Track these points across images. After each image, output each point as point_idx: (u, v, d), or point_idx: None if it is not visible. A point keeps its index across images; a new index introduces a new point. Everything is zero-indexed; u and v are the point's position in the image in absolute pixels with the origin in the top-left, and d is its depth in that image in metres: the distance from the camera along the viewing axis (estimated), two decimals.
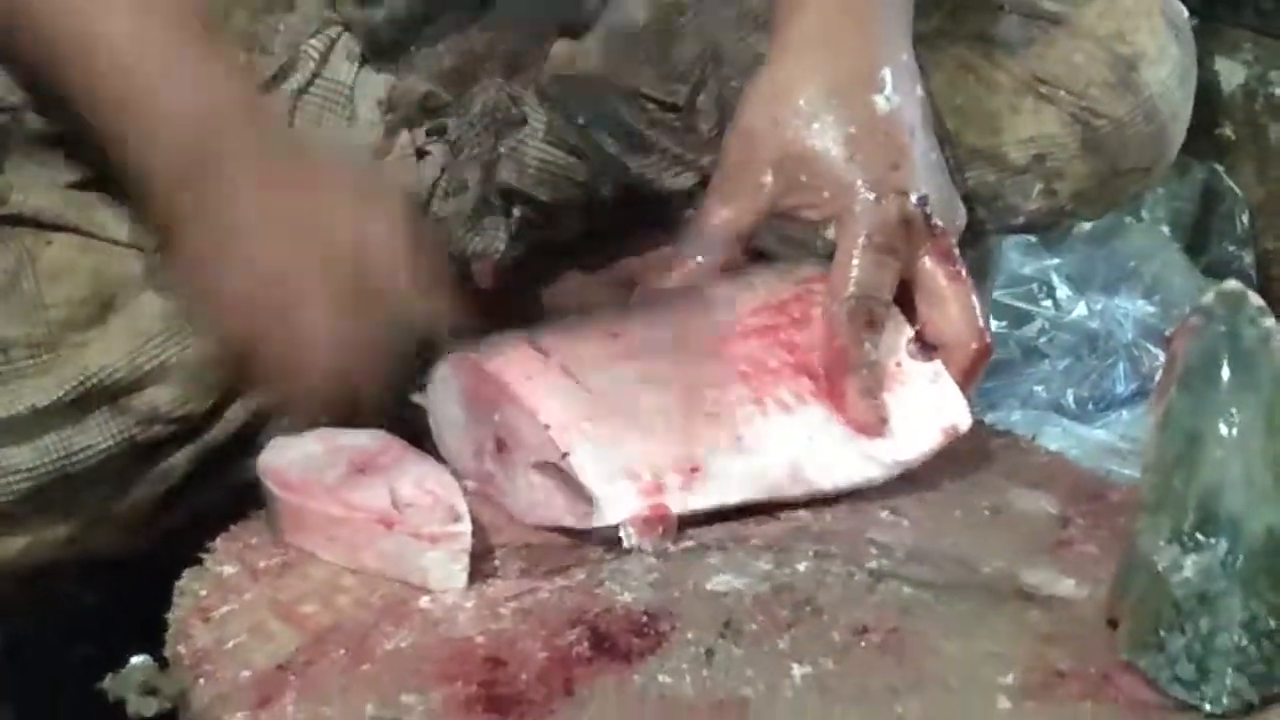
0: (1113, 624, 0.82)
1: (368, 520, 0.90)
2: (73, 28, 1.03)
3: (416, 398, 1.03)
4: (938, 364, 1.01)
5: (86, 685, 0.95)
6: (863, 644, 0.82)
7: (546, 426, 0.93)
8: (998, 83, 1.27)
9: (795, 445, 0.96)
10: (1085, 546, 0.94)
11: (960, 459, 1.01)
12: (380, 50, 1.21)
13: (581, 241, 1.28)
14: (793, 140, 1.03)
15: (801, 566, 0.89)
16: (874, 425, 0.98)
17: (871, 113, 1.03)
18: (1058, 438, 1.86)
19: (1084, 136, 1.27)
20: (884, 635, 0.82)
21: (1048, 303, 2.24)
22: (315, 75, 1.18)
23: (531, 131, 1.20)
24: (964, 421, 1.00)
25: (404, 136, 1.19)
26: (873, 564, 0.89)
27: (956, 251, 1.03)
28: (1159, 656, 0.78)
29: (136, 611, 1.15)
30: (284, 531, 0.94)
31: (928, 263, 1.02)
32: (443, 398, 1.01)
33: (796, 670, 0.79)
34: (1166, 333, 2.03)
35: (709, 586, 0.87)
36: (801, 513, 0.96)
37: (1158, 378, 2.10)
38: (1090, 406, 2.16)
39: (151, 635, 0.90)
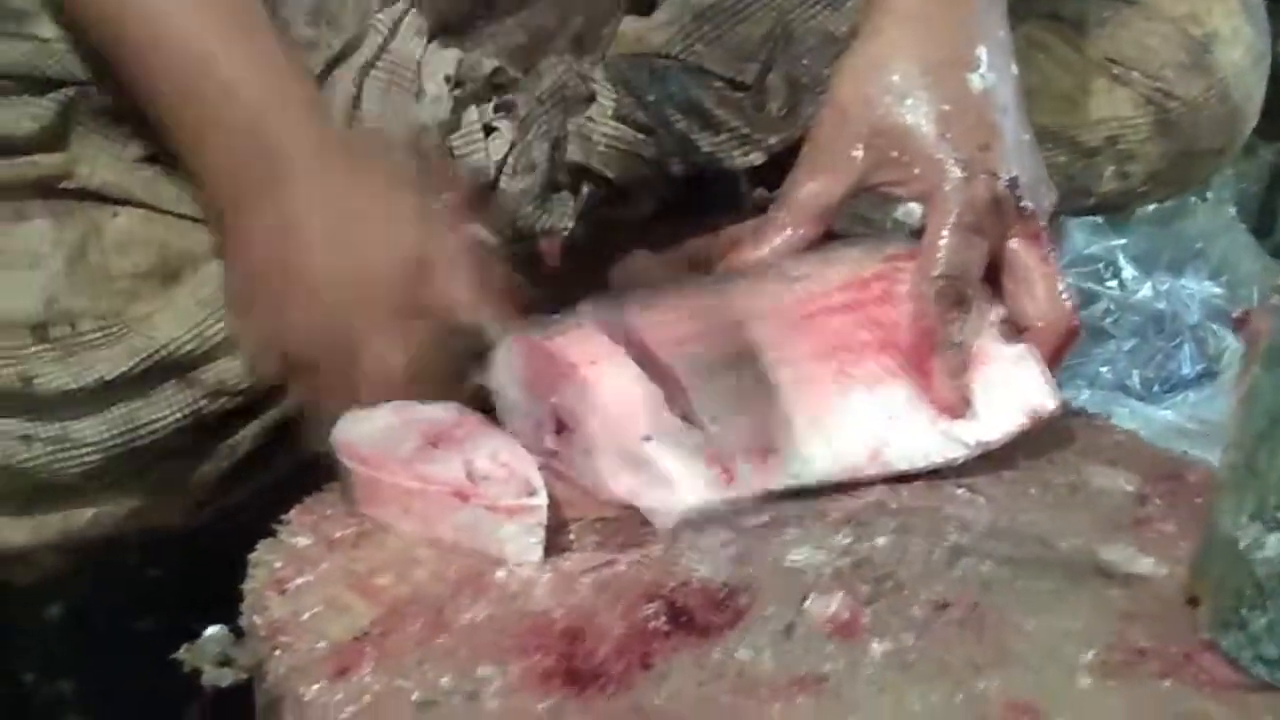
0: (1193, 602, 0.81)
1: (443, 493, 0.90)
2: (135, 17, 1.04)
3: (479, 378, 1.03)
4: (1023, 346, 1.00)
5: (148, 658, 0.95)
6: (943, 620, 0.81)
7: (613, 411, 0.93)
8: (1071, 63, 1.26)
9: (876, 424, 0.96)
10: (1164, 525, 0.93)
11: (1035, 437, 1.00)
12: (448, 25, 1.21)
13: (649, 220, 1.27)
14: (885, 116, 1.02)
15: (881, 541, 0.88)
16: (958, 406, 0.97)
17: (965, 91, 1.02)
18: (1125, 419, 1.84)
19: (1157, 118, 1.26)
20: (964, 611, 0.82)
21: (1113, 283, 2.23)
22: (382, 50, 1.18)
23: (600, 109, 1.20)
24: (1049, 403, 0.99)
25: (472, 113, 1.19)
26: (952, 540, 0.89)
27: (1046, 234, 1.02)
28: (1240, 635, 0.77)
29: (198, 584, 1.16)
30: (359, 504, 0.94)
31: (1016, 244, 1.01)
32: (504, 378, 1.00)
33: (877, 646, 0.79)
34: (1233, 313, 2.01)
35: (787, 561, 0.86)
36: (879, 489, 0.96)
37: (1226, 357, 2.09)
38: (1156, 388, 2.15)
39: (213, 608, 0.91)
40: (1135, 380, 2.15)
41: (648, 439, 0.92)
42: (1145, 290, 2.21)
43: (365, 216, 1.03)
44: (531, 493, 0.88)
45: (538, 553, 0.88)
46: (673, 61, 1.22)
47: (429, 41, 1.20)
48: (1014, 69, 1.05)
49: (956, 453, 0.97)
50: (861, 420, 0.96)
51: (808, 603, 0.82)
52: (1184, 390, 2.14)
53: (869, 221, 1.19)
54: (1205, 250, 2.26)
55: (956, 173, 1.00)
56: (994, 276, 1.02)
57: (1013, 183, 1.00)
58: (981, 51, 1.03)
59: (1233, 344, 2.19)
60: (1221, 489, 0.79)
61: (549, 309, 1.03)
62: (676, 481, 0.92)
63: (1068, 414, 1.07)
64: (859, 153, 1.03)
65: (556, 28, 1.23)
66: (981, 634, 0.80)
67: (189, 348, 1.09)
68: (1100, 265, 2.22)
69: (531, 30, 1.22)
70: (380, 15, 1.18)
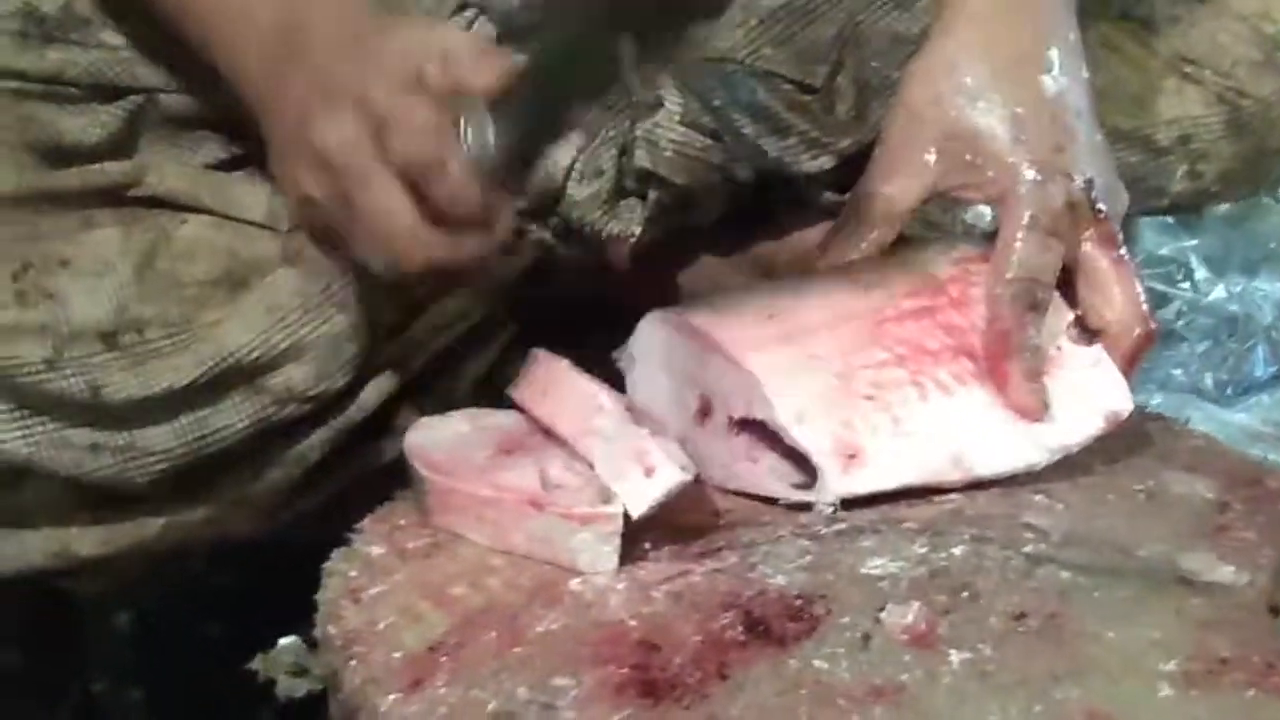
0: (1275, 611, 0.81)
1: (517, 501, 0.89)
2: None
3: (614, 357, 1.04)
4: (1099, 349, 0.99)
5: (218, 666, 0.95)
6: (1021, 629, 0.80)
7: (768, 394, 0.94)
8: (1142, 62, 1.25)
9: (955, 429, 0.96)
10: (1244, 532, 0.92)
11: (1111, 441, 1.00)
12: (515, 34, 1.20)
13: (718, 225, 1.27)
14: (957, 119, 1.02)
15: (957, 550, 0.87)
16: (1036, 409, 0.96)
17: (1038, 93, 1.01)
18: (1199, 422, 1.83)
19: (1229, 117, 1.25)
20: (1042, 621, 0.81)
21: (1185, 284, 2.21)
22: None
23: (667, 115, 1.19)
24: (1126, 407, 0.99)
25: None
26: (1029, 548, 0.88)
27: (1120, 236, 1.01)
28: None
29: (269, 592, 1.16)
30: (432, 512, 0.94)
31: (1091, 247, 1.00)
32: (644, 357, 1.00)
33: (954, 656, 0.78)
34: None
35: (863, 570, 0.86)
36: (955, 495, 0.95)
37: None
38: (1229, 390, 2.13)
39: (283, 616, 0.91)
40: (1209, 383, 2.13)
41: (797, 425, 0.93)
42: (1218, 291, 2.19)
43: (376, 27, 0.99)
44: (607, 500, 0.88)
45: (613, 561, 0.87)
46: (739, 65, 1.21)
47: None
48: (1085, 71, 1.04)
49: (1037, 458, 0.97)
50: (942, 426, 0.96)
51: (884, 612, 0.81)
52: (1257, 393, 2.12)
53: (937, 225, 1.19)
54: (1278, 251, 2.23)
55: (1031, 175, 0.99)
56: (1068, 280, 1.01)
57: (1088, 185, 0.99)
58: (1053, 53, 1.03)
59: None
60: None
61: (614, 317, 1.03)
62: (825, 471, 0.92)
63: (1144, 418, 1.07)
64: (932, 156, 1.02)
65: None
66: (1060, 644, 0.79)
67: (256, 354, 1.10)
68: (1172, 266, 2.20)
69: None
70: (450, 21, 1.18)
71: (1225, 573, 0.87)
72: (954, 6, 1.05)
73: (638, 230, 1.20)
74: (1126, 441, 1.01)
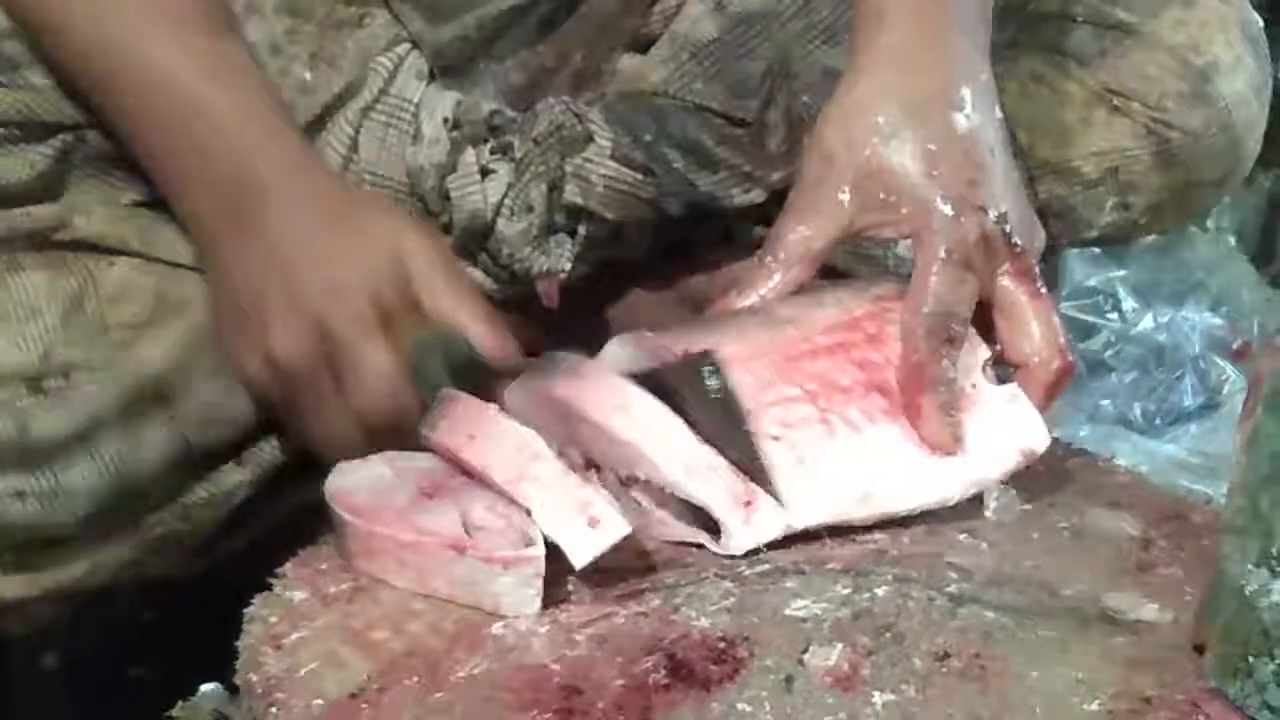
0: (1199, 649, 0.80)
1: (439, 545, 0.88)
2: (117, 57, 1.04)
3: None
4: (1014, 386, 0.99)
5: (143, 708, 0.94)
6: (945, 670, 0.80)
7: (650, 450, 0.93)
8: (1070, 94, 1.26)
9: (865, 467, 0.95)
10: (1168, 569, 0.92)
11: (1036, 478, 1.00)
12: (448, 67, 1.20)
13: (649, 260, 1.27)
14: (870, 157, 1.01)
15: (881, 591, 0.87)
16: (949, 443, 0.96)
17: (951, 130, 1.01)
18: (1127, 453, 1.84)
19: (1158, 149, 1.26)
20: (966, 661, 0.81)
21: (1113, 315, 2.22)
22: (383, 92, 1.18)
23: (598, 149, 1.19)
24: (1041, 443, 0.98)
25: (469, 155, 1.19)
26: (953, 588, 0.88)
27: (1036, 270, 1.01)
28: (1248, 683, 0.76)
29: (194, 635, 1.15)
30: (354, 556, 0.93)
31: (1007, 281, 1.00)
32: (520, 415, 0.99)
33: (878, 698, 0.78)
34: (1234, 345, 2.00)
35: (787, 611, 0.85)
36: (878, 535, 0.95)
37: (1227, 388, 2.08)
38: (1158, 420, 2.14)
39: (209, 659, 0.90)
40: (1137, 413, 2.14)
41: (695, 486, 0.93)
42: (1146, 322, 2.21)
43: (342, 227, 1.04)
44: (529, 543, 0.87)
45: (535, 605, 0.87)
46: (670, 100, 1.22)
47: (428, 83, 1.20)
48: (998, 111, 1.05)
49: (950, 493, 0.96)
50: (850, 463, 0.95)
51: (808, 655, 0.81)
52: (1186, 423, 2.13)
53: (870, 259, 1.19)
54: (1205, 281, 2.25)
55: (945, 209, 0.99)
56: (984, 316, 1.01)
57: (1001, 218, 0.99)
58: (965, 92, 1.03)
59: (1234, 375, 2.18)
60: (1226, 534, 0.79)
61: (546, 348, 1.02)
62: (728, 524, 0.92)
63: (1068, 454, 1.07)
64: (846, 195, 1.02)
65: (556, 67, 1.23)
66: (985, 685, 0.79)
67: (174, 376, 1.09)
68: (1100, 297, 2.21)
69: (531, 70, 1.22)
70: (381, 58, 1.18)
71: (1150, 611, 0.87)
72: (865, 48, 1.05)
73: (568, 266, 1.20)
74: (1051, 478, 1.02)
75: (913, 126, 1.01)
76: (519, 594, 0.86)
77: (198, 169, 1.04)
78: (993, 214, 0.99)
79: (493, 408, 0.94)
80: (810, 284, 1.04)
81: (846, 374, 0.98)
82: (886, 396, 0.97)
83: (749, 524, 0.92)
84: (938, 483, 0.96)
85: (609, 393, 0.95)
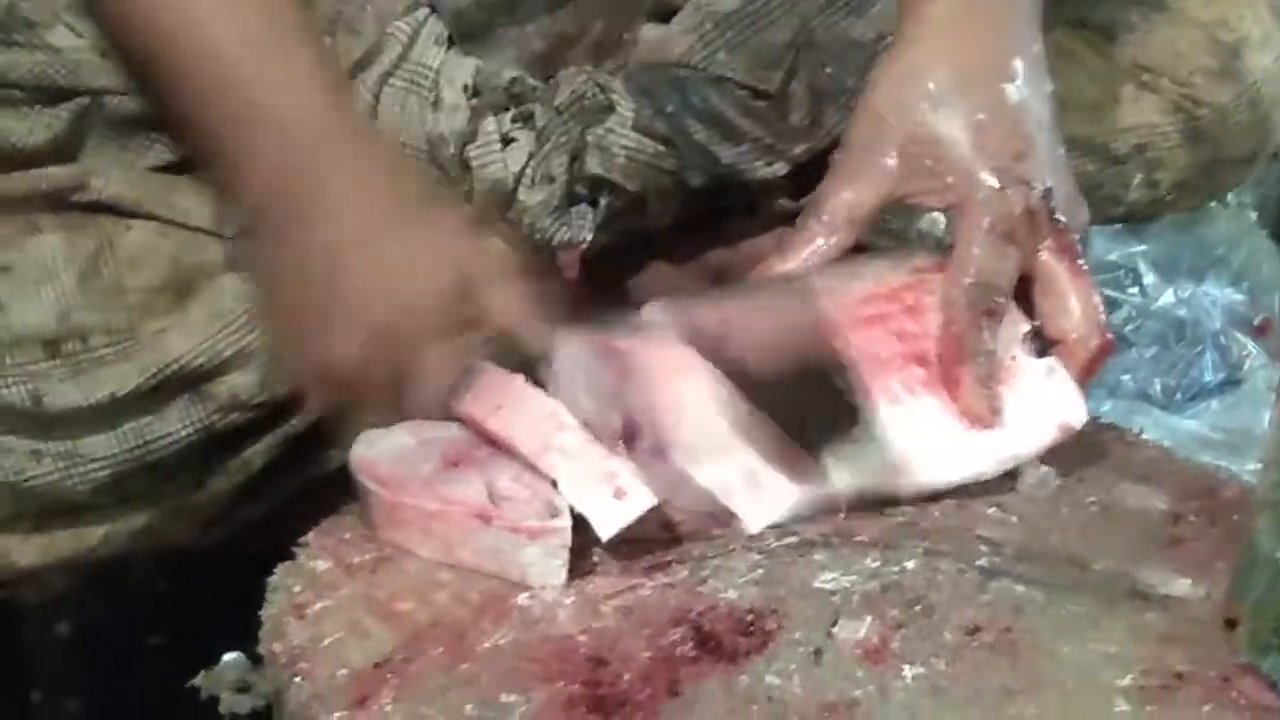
0: (1231, 624, 0.80)
1: (465, 514, 0.88)
2: (187, 39, 1.03)
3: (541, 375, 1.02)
4: (1053, 360, 0.99)
5: (157, 677, 0.94)
6: (975, 644, 0.80)
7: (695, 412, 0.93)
8: (1099, 71, 1.25)
9: (903, 437, 0.94)
10: (1198, 544, 0.92)
11: (1065, 453, 0.99)
12: (468, 32, 1.19)
13: (670, 232, 1.26)
14: (919, 124, 1.01)
15: (910, 564, 0.86)
16: (987, 415, 0.96)
17: (1001, 101, 1.01)
18: (1148, 429, 1.82)
19: (1186, 125, 1.25)
20: (996, 635, 0.80)
21: (1134, 290, 2.21)
22: (402, 59, 1.17)
23: (620, 120, 1.18)
24: (1080, 418, 0.98)
25: (489, 123, 1.18)
26: (983, 562, 0.87)
27: (1079, 247, 1.00)
28: None
29: (210, 603, 1.15)
30: (379, 526, 0.92)
31: (1048, 257, 0.99)
32: (567, 376, 0.98)
33: (908, 671, 0.77)
34: (1255, 321, 1.99)
35: (815, 584, 0.85)
36: (907, 508, 0.94)
37: (1248, 364, 2.07)
38: (1178, 396, 2.14)
39: (225, 627, 0.89)
40: (1157, 389, 2.13)
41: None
42: (1167, 297, 2.20)
43: (407, 238, 1.02)
44: (555, 514, 0.87)
45: (561, 575, 0.86)
46: (693, 70, 1.21)
47: (448, 49, 1.19)
48: (1049, 85, 1.04)
49: (986, 467, 0.96)
50: (889, 435, 0.94)
51: (837, 627, 0.80)
52: (1206, 399, 2.13)
53: (892, 232, 1.18)
54: (1226, 256, 2.24)
55: (990, 181, 0.98)
56: (1025, 291, 1.00)
57: (1047, 194, 0.99)
58: (1017, 63, 1.02)
59: (1255, 351, 2.18)
60: (1260, 510, 0.78)
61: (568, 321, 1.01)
62: (768, 485, 0.91)
63: (1098, 429, 1.06)
64: (893, 160, 1.01)
65: (577, 34, 1.22)
66: (1015, 659, 0.78)
67: (200, 361, 1.09)
68: (1121, 272, 2.20)
69: (552, 37, 1.21)
70: (400, 23, 1.17)
71: (1181, 586, 0.86)
72: (917, 14, 1.04)
73: (589, 237, 1.20)
74: (1081, 453, 1.01)
75: (963, 96, 1.01)
76: (545, 564, 0.86)
77: (260, 153, 1.02)
78: (1038, 188, 0.99)
79: (519, 378, 0.94)
80: (849, 253, 1.03)
81: (885, 345, 0.97)
82: (925, 368, 0.97)
83: (755, 502, 0.92)
84: (974, 457, 0.96)
85: (671, 358, 0.95)
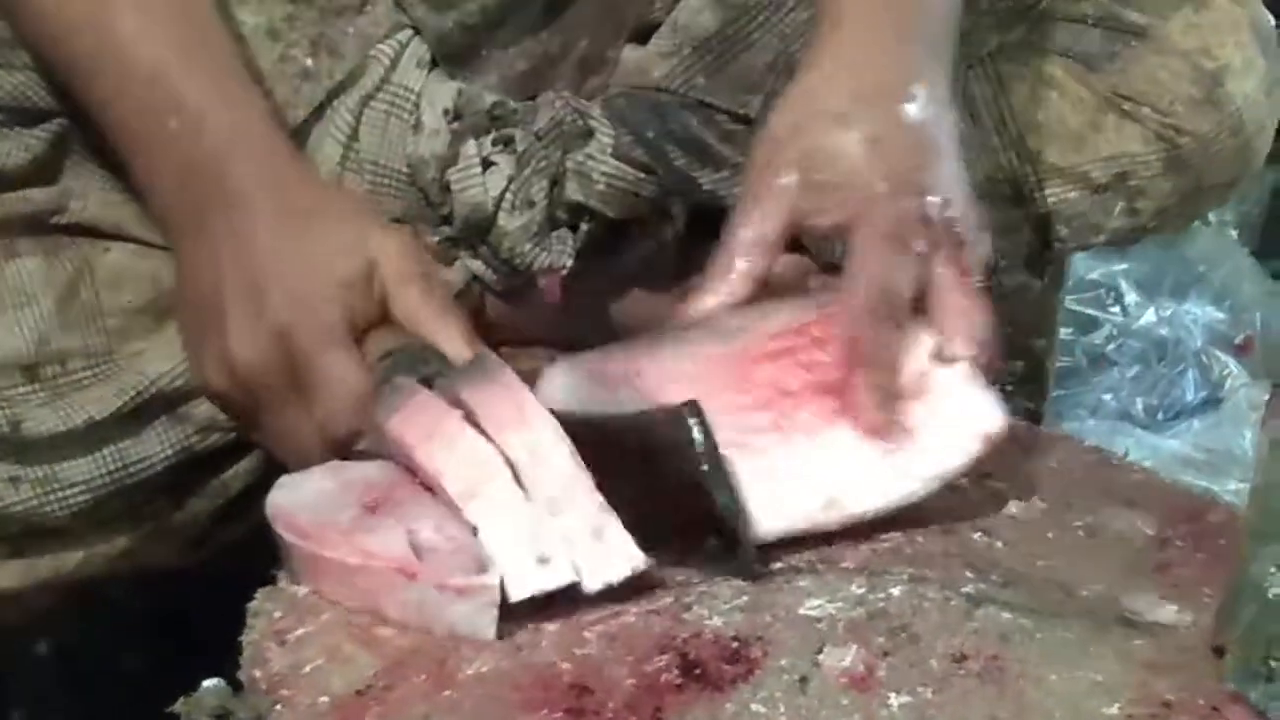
0: (1219, 652, 0.79)
1: (388, 569, 0.85)
2: (92, 40, 1.02)
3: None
4: (963, 367, 0.96)
5: (137, 698, 0.93)
6: (962, 672, 0.79)
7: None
8: (1080, 99, 1.26)
9: (824, 471, 0.93)
10: (1185, 570, 0.92)
11: (1049, 476, 0.99)
12: (451, 54, 1.19)
13: (653, 256, 1.26)
14: (815, 140, 1.01)
15: (896, 591, 0.85)
16: (883, 426, 0.94)
17: (898, 119, 1.01)
18: (1131, 448, 1.84)
19: (1168, 154, 1.25)
20: (984, 663, 0.79)
21: (1116, 309, 2.22)
22: (384, 81, 1.17)
23: (599, 146, 1.18)
24: (998, 424, 0.95)
25: (470, 146, 1.17)
26: (969, 588, 0.86)
27: (973, 268, 0.99)
28: (1269, 687, 0.75)
29: (190, 624, 1.14)
30: (300, 576, 0.89)
31: (943, 272, 0.98)
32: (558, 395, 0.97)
33: (894, 700, 0.77)
34: (1236, 340, 2.00)
35: (801, 611, 0.84)
36: (892, 534, 0.94)
37: (1229, 383, 2.07)
38: (1160, 415, 2.14)
39: (206, 649, 0.89)
40: (1139, 408, 2.14)
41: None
42: (1148, 316, 2.20)
43: (312, 230, 1.01)
44: (482, 569, 0.84)
45: (490, 632, 0.83)
46: (673, 96, 1.20)
47: (430, 71, 1.18)
48: (952, 116, 1.04)
49: (915, 487, 0.94)
50: (809, 468, 0.93)
51: (822, 655, 0.80)
52: (1188, 418, 2.13)
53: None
54: (1207, 274, 2.25)
55: (884, 187, 0.98)
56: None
57: (945, 204, 0.98)
58: (918, 88, 1.02)
59: (1236, 370, 2.18)
60: (1249, 537, 0.78)
61: (549, 346, 1.01)
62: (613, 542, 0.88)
63: (1082, 450, 1.06)
64: (791, 178, 1.01)
65: (560, 55, 1.22)
66: (1002, 687, 0.78)
67: (179, 383, 1.08)
68: (1102, 290, 2.21)
69: (535, 58, 1.21)
70: (383, 45, 1.17)
71: (1168, 613, 0.86)
72: (820, 44, 1.05)
73: (569, 263, 1.19)
74: (1064, 476, 1.01)
75: (859, 114, 1.01)
76: (474, 621, 0.83)
77: (162, 156, 1.02)
78: (935, 199, 0.98)
79: (458, 413, 0.91)
80: (770, 274, 1.03)
81: (795, 377, 0.96)
82: (837, 397, 0.95)
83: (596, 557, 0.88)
84: (900, 479, 0.94)
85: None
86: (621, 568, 0.86)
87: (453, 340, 1.01)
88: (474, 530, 0.86)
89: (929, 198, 0.98)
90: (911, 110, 1.01)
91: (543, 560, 0.85)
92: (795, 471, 0.93)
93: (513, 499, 0.87)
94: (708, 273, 1.04)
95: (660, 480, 0.90)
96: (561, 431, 0.90)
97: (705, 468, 0.88)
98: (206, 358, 1.01)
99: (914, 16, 1.06)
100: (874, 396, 0.94)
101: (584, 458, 0.87)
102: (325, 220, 1.02)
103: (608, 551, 0.86)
